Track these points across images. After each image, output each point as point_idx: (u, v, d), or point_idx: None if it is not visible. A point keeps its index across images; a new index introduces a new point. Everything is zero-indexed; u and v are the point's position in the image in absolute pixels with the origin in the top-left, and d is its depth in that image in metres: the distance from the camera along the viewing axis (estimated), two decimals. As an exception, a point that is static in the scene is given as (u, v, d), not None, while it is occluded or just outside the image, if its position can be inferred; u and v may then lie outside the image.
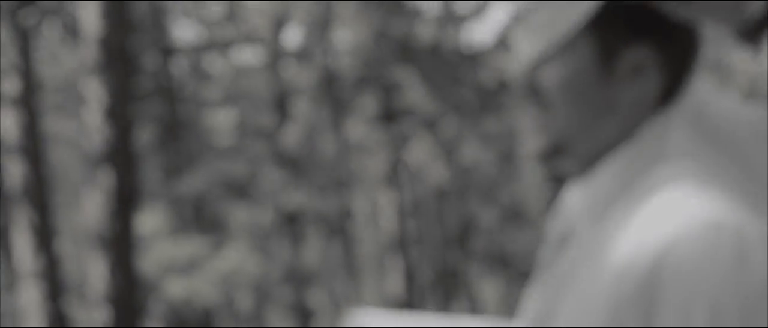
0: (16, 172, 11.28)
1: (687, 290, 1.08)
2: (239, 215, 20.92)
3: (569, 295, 1.21)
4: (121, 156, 10.28)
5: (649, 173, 1.20)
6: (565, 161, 1.27)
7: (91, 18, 10.19)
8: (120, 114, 10.29)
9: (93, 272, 10.29)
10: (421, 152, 22.84)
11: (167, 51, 20.18)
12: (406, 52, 20.54)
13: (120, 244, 10.30)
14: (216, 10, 21.39)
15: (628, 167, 1.22)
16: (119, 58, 10.27)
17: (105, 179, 10.22)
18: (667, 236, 1.11)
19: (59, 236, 16.32)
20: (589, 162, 1.26)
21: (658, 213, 1.14)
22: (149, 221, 18.30)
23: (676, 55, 1.22)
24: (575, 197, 1.27)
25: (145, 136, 20.48)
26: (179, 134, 20.94)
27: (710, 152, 1.19)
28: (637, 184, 1.21)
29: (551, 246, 1.31)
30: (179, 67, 21.47)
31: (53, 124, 19.89)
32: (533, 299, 1.27)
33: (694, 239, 1.10)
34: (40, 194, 11.33)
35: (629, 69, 1.22)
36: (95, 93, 10.24)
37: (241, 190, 20.23)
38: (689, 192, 1.14)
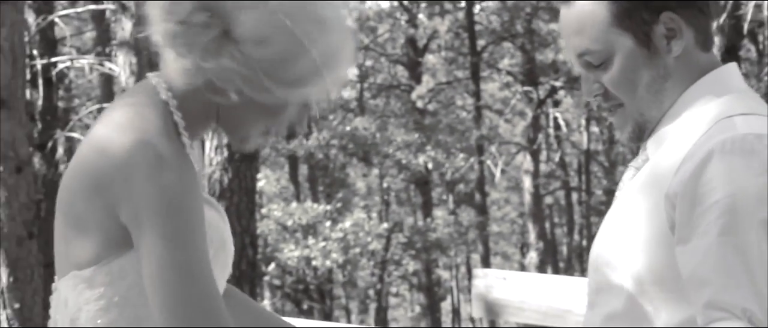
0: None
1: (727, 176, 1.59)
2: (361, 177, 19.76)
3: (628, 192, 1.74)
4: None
5: (712, 103, 1.69)
6: (648, 131, 1.75)
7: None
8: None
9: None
10: (566, 114, 21.08)
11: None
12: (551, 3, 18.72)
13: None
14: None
15: (691, 103, 1.70)
16: None
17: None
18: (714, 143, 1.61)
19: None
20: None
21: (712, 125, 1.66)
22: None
23: (695, 11, 1.69)
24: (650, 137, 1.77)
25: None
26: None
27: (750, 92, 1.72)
28: (700, 114, 1.69)
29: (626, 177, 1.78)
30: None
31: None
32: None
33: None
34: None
35: (664, 38, 1.70)
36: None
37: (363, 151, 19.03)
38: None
